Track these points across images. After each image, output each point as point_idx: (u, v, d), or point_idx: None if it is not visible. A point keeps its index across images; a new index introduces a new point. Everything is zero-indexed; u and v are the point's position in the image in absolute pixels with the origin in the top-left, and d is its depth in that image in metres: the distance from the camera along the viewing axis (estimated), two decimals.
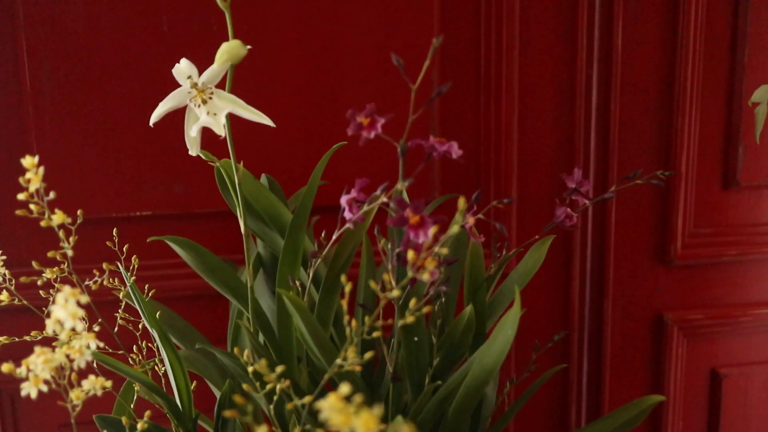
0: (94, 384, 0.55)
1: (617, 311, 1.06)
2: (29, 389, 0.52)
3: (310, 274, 0.65)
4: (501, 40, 0.96)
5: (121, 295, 0.68)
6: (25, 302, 0.67)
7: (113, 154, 0.93)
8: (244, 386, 0.57)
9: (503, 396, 0.73)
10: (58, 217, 0.56)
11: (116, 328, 0.70)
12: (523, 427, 1.08)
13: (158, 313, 0.75)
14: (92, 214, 0.94)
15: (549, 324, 1.05)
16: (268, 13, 0.92)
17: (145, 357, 0.74)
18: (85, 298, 0.50)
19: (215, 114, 0.61)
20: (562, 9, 0.97)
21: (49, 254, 0.59)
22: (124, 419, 0.64)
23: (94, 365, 0.71)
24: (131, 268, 0.71)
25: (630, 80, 1.00)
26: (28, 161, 0.54)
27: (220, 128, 0.60)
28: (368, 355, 0.52)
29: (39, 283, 0.64)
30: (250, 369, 0.57)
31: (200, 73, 0.63)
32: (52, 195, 0.55)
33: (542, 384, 1.02)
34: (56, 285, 0.68)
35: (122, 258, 0.73)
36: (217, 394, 0.79)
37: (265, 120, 0.62)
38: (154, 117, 0.63)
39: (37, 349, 0.51)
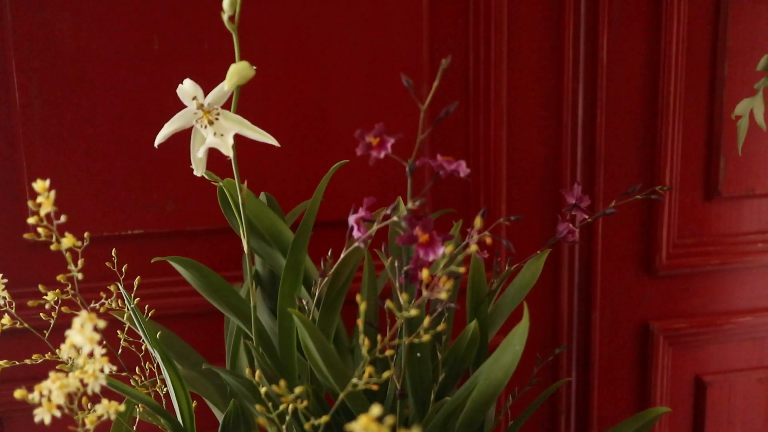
0: (107, 408, 0.54)
1: (605, 321, 1.08)
2: (43, 415, 0.51)
3: (316, 293, 0.66)
4: (489, 54, 0.98)
5: (125, 318, 0.67)
6: (26, 325, 0.66)
7: (104, 172, 0.92)
8: (257, 407, 0.57)
9: (505, 410, 0.74)
10: (67, 241, 0.56)
11: (120, 350, 0.69)
12: None
13: (158, 334, 0.75)
14: (83, 233, 0.93)
15: (539, 335, 1.07)
16: (260, 32, 0.92)
17: (147, 377, 0.73)
18: (102, 323, 0.50)
19: (222, 135, 0.61)
20: (548, 24, 0.99)
21: (59, 278, 0.59)
22: None
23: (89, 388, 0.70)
24: (133, 289, 0.71)
25: (615, 94, 1.02)
26: (39, 185, 0.53)
27: (228, 149, 0.60)
28: (387, 373, 0.52)
29: (46, 306, 0.63)
30: (263, 389, 0.58)
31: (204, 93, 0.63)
32: (63, 218, 0.55)
33: (529, 393, 1.04)
34: (58, 307, 0.67)
35: (121, 278, 0.73)
36: (216, 413, 0.79)
37: (270, 140, 0.63)
38: (160, 138, 0.63)
39: (52, 374, 0.51)
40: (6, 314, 0.65)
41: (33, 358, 0.66)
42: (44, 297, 0.67)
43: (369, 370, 0.51)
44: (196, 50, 0.92)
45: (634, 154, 1.04)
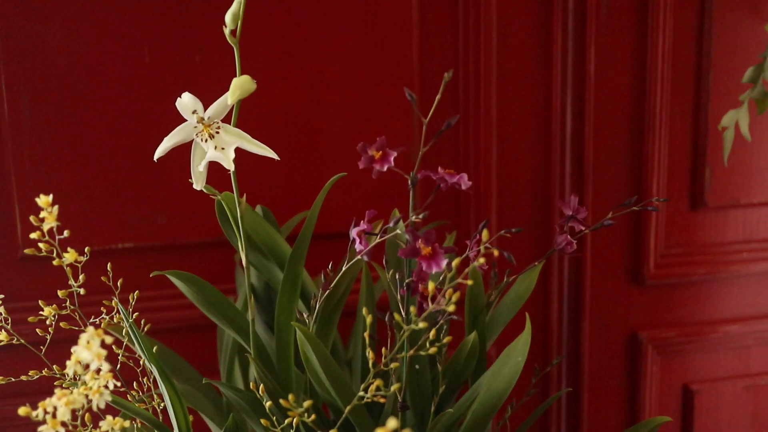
0: (112, 425, 0.54)
1: (594, 331, 1.08)
2: None
3: (316, 306, 0.66)
4: (479, 67, 0.98)
5: (123, 333, 0.67)
6: (23, 341, 0.66)
7: (94, 186, 0.92)
8: (262, 421, 0.57)
9: (503, 421, 0.74)
10: (70, 256, 0.55)
11: (118, 366, 0.69)
12: None
13: (155, 348, 0.74)
14: (73, 247, 0.92)
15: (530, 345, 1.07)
16: (254, 45, 0.92)
17: (144, 392, 0.73)
18: (109, 339, 0.49)
19: (223, 148, 0.61)
20: (537, 37, 1.00)
21: (61, 293, 0.58)
22: None
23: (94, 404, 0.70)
24: (128, 303, 0.70)
25: (602, 106, 1.03)
26: (43, 200, 0.53)
27: (230, 163, 0.60)
28: (395, 387, 0.52)
29: (48, 322, 0.63)
30: (267, 404, 0.57)
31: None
32: (66, 233, 0.54)
33: (525, 405, 1.04)
34: (55, 322, 0.67)
35: (117, 293, 0.72)
36: (213, 427, 0.78)
37: (270, 153, 0.63)
38: (159, 152, 0.63)
39: (58, 391, 0.50)
40: (2, 330, 0.64)
41: (30, 374, 0.65)
42: (41, 313, 0.66)
43: (377, 383, 0.52)
44: (187, 62, 0.92)
45: (622, 165, 1.05)
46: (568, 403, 1.10)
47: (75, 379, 0.61)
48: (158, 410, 0.73)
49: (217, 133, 0.62)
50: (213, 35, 0.92)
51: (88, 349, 0.49)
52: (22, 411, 0.51)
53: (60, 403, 0.50)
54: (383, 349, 0.55)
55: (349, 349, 0.86)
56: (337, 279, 0.69)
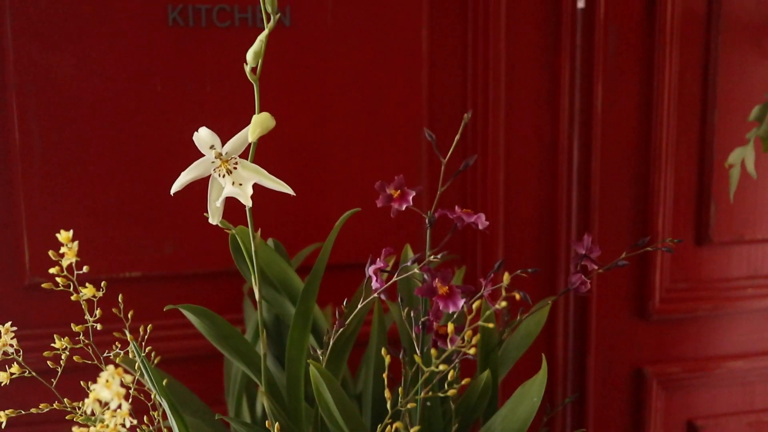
0: None
1: (599, 366, 1.08)
2: None
3: (330, 342, 0.65)
4: (487, 101, 0.99)
5: (135, 367, 0.67)
6: (34, 374, 0.65)
7: (102, 214, 0.92)
8: None
9: None
10: (88, 291, 0.55)
11: (130, 399, 0.68)
12: None
13: (165, 382, 0.74)
14: (81, 275, 0.92)
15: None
16: (265, 79, 0.93)
17: (155, 425, 0.72)
18: (128, 378, 0.49)
19: (241, 184, 0.61)
20: (545, 72, 1.01)
21: (77, 328, 0.58)
22: None
23: None
24: (140, 337, 0.70)
25: (609, 141, 1.03)
26: (63, 236, 0.53)
27: (247, 199, 0.60)
28: (414, 429, 0.52)
29: (63, 357, 0.62)
30: None
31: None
32: (85, 269, 0.54)
33: None
34: (66, 354, 0.66)
35: (127, 324, 0.72)
36: None
37: (287, 189, 0.63)
38: (176, 187, 0.62)
39: (76, 429, 0.50)
40: (15, 363, 0.64)
41: (41, 407, 0.65)
42: (53, 345, 0.66)
43: (398, 425, 0.51)
44: (198, 92, 0.92)
45: (628, 200, 1.06)
46: None
47: (92, 414, 0.61)
48: None
49: (235, 168, 0.62)
50: (224, 65, 0.92)
51: (107, 387, 0.49)
52: None
53: None
54: (400, 390, 0.55)
55: (358, 381, 0.86)
56: (346, 313, 0.69)
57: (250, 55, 0.58)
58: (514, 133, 1.01)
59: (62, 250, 0.53)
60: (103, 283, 0.61)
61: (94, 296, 0.56)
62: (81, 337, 0.63)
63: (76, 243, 0.53)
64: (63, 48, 0.88)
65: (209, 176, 0.62)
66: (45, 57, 0.88)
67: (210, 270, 0.96)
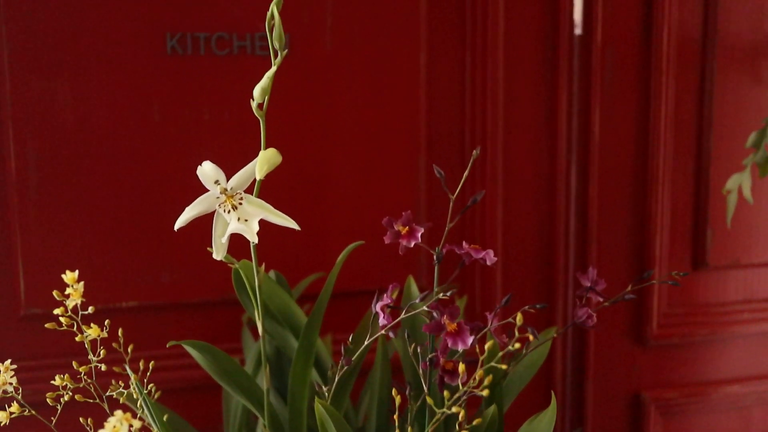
0: None
1: (598, 392, 1.08)
2: None
3: (335, 378, 0.65)
4: (485, 128, 0.99)
5: (138, 405, 0.66)
6: (34, 413, 0.64)
7: (98, 243, 0.91)
8: None
9: None
10: (93, 332, 0.54)
11: None
12: None
13: (165, 417, 0.73)
14: (76, 305, 0.91)
15: (533, 406, 1.06)
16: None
17: None
18: (137, 423, 0.48)
19: (246, 220, 0.61)
20: (543, 96, 1.01)
21: (82, 369, 0.57)
22: None
23: None
24: (140, 371, 0.69)
25: (606, 166, 1.04)
26: (69, 276, 0.52)
27: (253, 235, 0.60)
28: None
29: (65, 398, 0.61)
30: None
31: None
32: (90, 310, 0.53)
33: None
34: (66, 392, 0.65)
35: (127, 359, 0.71)
36: None
37: (292, 224, 0.62)
38: (180, 222, 0.62)
39: None
40: (15, 402, 0.63)
41: None
42: (52, 382, 0.65)
43: None
44: (195, 121, 0.92)
45: (625, 225, 1.06)
46: None
47: None
48: None
49: (240, 204, 0.61)
50: (222, 93, 0.92)
51: None
52: None
53: None
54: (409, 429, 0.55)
55: (359, 411, 0.85)
56: (354, 349, 0.68)
57: (257, 91, 0.58)
58: (512, 160, 1.01)
59: (67, 290, 0.52)
60: (107, 322, 0.60)
61: (98, 336, 0.55)
62: (83, 375, 0.61)
63: (81, 284, 0.53)
64: (60, 77, 0.87)
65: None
66: (42, 86, 0.87)
67: (207, 299, 0.95)
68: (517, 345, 0.50)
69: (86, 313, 0.54)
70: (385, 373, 0.73)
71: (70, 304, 0.53)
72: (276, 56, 0.57)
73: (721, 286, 1.10)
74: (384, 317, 0.60)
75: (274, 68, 0.56)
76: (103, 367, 0.57)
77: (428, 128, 0.98)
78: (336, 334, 0.95)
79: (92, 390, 0.63)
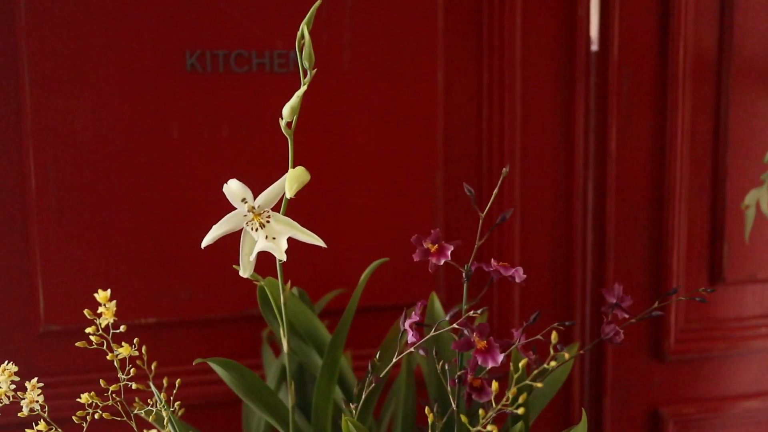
0: None
1: (616, 407, 1.08)
2: None
3: (363, 396, 0.65)
4: (503, 145, 0.99)
5: (164, 423, 0.65)
6: (60, 431, 0.64)
7: (117, 260, 0.91)
8: None
9: None
10: (124, 350, 0.54)
11: None
12: None
13: None
14: (92, 323, 0.91)
15: (551, 422, 1.06)
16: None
17: None
18: None
19: (274, 238, 0.61)
20: (560, 114, 1.01)
21: (112, 388, 0.57)
22: None
23: None
24: (164, 388, 0.69)
25: (623, 181, 1.04)
26: (101, 295, 0.52)
27: (282, 254, 0.60)
28: None
29: (97, 417, 0.61)
30: None
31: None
32: (123, 329, 0.53)
33: None
34: (92, 410, 0.65)
35: (151, 377, 0.71)
36: None
37: (319, 242, 0.62)
38: (207, 241, 0.62)
39: None
40: (42, 420, 0.62)
41: None
42: (78, 399, 0.65)
43: None
44: (214, 138, 0.92)
45: (642, 241, 1.06)
46: None
47: None
48: None
49: (268, 222, 0.61)
50: (241, 110, 0.92)
51: None
52: None
53: None
54: None
55: (381, 427, 0.84)
56: (382, 365, 0.68)
57: (286, 110, 0.58)
58: (530, 176, 1.01)
59: (100, 309, 0.52)
60: (135, 340, 0.60)
61: (128, 354, 0.55)
62: (110, 393, 0.61)
63: (113, 303, 0.53)
64: (80, 95, 0.88)
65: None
66: (62, 104, 0.87)
67: (226, 315, 0.95)
68: (553, 363, 0.50)
69: (117, 331, 0.54)
70: (409, 389, 0.73)
71: (103, 323, 0.53)
72: (305, 75, 0.57)
73: (738, 301, 1.10)
74: (413, 335, 0.60)
75: (304, 87, 0.57)
76: (134, 386, 0.57)
77: (446, 146, 0.99)
78: (354, 350, 0.95)
79: (119, 408, 0.63)
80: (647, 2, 1.02)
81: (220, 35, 0.91)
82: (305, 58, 0.57)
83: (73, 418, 0.66)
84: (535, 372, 0.52)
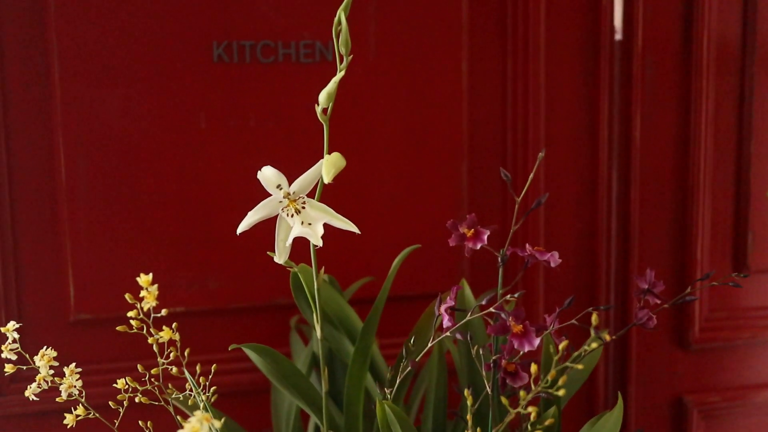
0: None
1: (640, 395, 1.08)
2: None
3: (398, 380, 0.65)
4: (527, 133, 0.99)
5: (202, 407, 0.66)
6: (98, 416, 0.65)
7: (147, 250, 0.92)
8: None
9: None
10: (165, 334, 0.55)
11: None
12: None
13: (223, 420, 0.73)
14: (122, 311, 0.92)
15: (575, 410, 1.07)
16: (305, 115, 0.93)
17: None
18: (218, 423, 0.49)
19: (309, 224, 0.61)
20: (584, 104, 1.01)
21: (153, 371, 0.58)
22: None
23: None
24: (197, 375, 0.69)
25: (647, 171, 1.04)
26: (143, 279, 0.53)
27: (318, 239, 0.60)
28: None
29: (137, 400, 0.62)
30: None
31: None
32: (164, 312, 0.54)
33: None
34: (128, 395, 0.66)
35: (184, 363, 0.71)
36: None
37: (353, 228, 0.63)
38: (243, 227, 0.62)
39: None
40: (80, 405, 0.63)
41: None
42: (114, 385, 0.65)
43: None
44: (241, 127, 0.92)
45: (666, 230, 1.06)
46: None
47: None
48: None
49: (303, 208, 0.62)
50: (267, 100, 0.92)
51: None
52: None
53: None
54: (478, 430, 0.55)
55: (410, 412, 0.85)
56: (405, 347, 0.68)
57: (323, 96, 0.58)
58: (554, 166, 1.02)
59: (142, 293, 0.53)
60: (174, 325, 0.61)
61: (169, 338, 0.55)
62: (147, 378, 0.62)
63: (155, 286, 0.53)
64: (109, 85, 0.88)
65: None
66: (91, 96, 0.88)
67: (253, 304, 0.96)
68: (594, 345, 0.51)
69: (158, 315, 0.54)
70: (441, 374, 0.73)
71: (146, 306, 0.53)
72: (341, 61, 0.58)
73: (763, 290, 1.10)
74: (448, 319, 0.60)
75: (341, 73, 0.57)
76: (174, 370, 0.58)
77: (470, 135, 0.99)
78: (379, 339, 0.96)
79: (157, 392, 0.63)
80: None
81: (247, 26, 0.91)
82: (342, 44, 0.57)
83: (110, 403, 0.67)
84: (576, 354, 0.52)
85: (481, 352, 0.62)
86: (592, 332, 0.51)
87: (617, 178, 1.04)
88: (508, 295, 0.57)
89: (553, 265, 0.60)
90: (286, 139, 0.94)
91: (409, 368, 0.64)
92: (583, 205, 1.04)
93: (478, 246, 0.59)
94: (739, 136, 1.07)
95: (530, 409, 0.52)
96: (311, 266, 0.67)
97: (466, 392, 0.55)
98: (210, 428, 0.49)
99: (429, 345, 0.62)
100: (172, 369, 0.58)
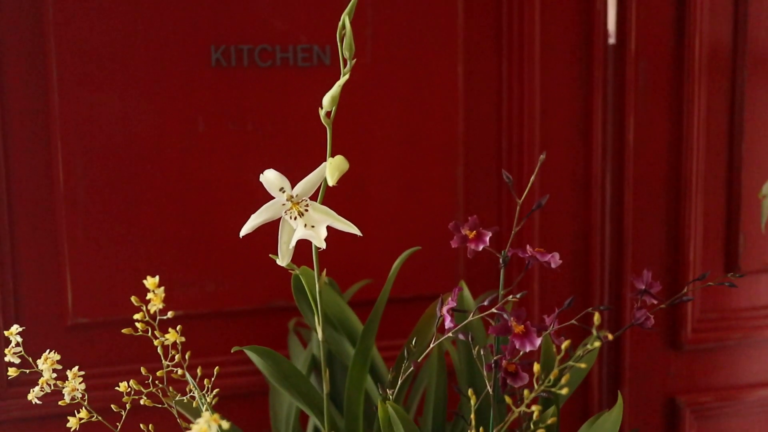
0: None
1: (633, 396, 1.09)
2: None
3: (400, 381, 0.66)
4: (522, 136, 1.00)
5: (204, 409, 0.66)
6: (101, 419, 0.65)
7: (145, 253, 0.92)
8: None
9: None
10: (171, 336, 0.55)
11: None
12: None
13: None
14: (120, 315, 0.92)
15: (571, 410, 1.08)
16: (303, 119, 0.94)
17: None
18: (226, 424, 0.49)
19: (313, 226, 0.62)
20: (578, 106, 1.02)
21: (158, 373, 0.58)
22: None
23: None
24: (197, 378, 0.70)
25: (641, 173, 1.05)
26: (150, 281, 0.53)
27: (321, 241, 0.61)
28: None
29: (142, 402, 0.62)
30: None
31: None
32: (170, 314, 0.54)
33: None
34: (131, 398, 0.66)
35: (185, 365, 0.72)
36: None
37: (355, 230, 0.63)
38: (246, 230, 0.63)
39: None
40: (83, 408, 0.63)
41: None
42: (116, 388, 0.66)
43: None
44: (239, 131, 0.93)
45: (659, 232, 1.07)
46: None
47: None
48: None
49: (306, 210, 0.62)
50: (265, 104, 0.93)
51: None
52: None
53: None
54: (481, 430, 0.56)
55: (409, 412, 0.85)
56: (406, 347, 0.69)
57: (326, 100, 0.59)
58: (549, 167, 1.03)
59: (148, 296, 0.53)
60: (179, 327, 0.61)
61: (174, 341, 0.56)
62: (150, 380, 0.62)
63: (161, 289, 0.54)
64: (107, 89, 0.89)
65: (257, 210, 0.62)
66: (90, 98, 0.88)
67: (252, 307, 0.96)
68: (597, 344, 0.52)
69: (164, 318, 0.55)
70: (441, 374, 0.74)
71: (153, 309, 0.54)
72: (345, 65, 0.58)
73: (754, 291, 1.11)
74: (450, 320, 0.61)
75: (345, 77, 0.58)
76: (179, 372, 0.58)
77: (466, 138, 1.00)
78: (377, 341, 0.96)
79: (160, 395, 0.64)
80: None
81: (245, 30, 0.92)
82: (346, 48, 0.58)
83: (113, 406, 0.67)
84: (578, 353, 0.53)
85: (482, 353, 0.63)
86: (594, 331, 0.52)
87: (611, 179, 1.05)
88: (510, 296, 0.58)
89: (553, 266, 0.61)
90: (283, 143, 0.94)
91: (411, 369, 0.64)
92: (577, 207, 1.05)
93: (480, 247, 0.60)
94: (730, 138, 1.08)
95: (534, 407, 0.52)
96: (312, 268, 0.67)
97: (469, 392, 0.56)
98: (218, 430, 0.49)
99: (431, 346, 0.62)
100: (177, 371, 0.59)
